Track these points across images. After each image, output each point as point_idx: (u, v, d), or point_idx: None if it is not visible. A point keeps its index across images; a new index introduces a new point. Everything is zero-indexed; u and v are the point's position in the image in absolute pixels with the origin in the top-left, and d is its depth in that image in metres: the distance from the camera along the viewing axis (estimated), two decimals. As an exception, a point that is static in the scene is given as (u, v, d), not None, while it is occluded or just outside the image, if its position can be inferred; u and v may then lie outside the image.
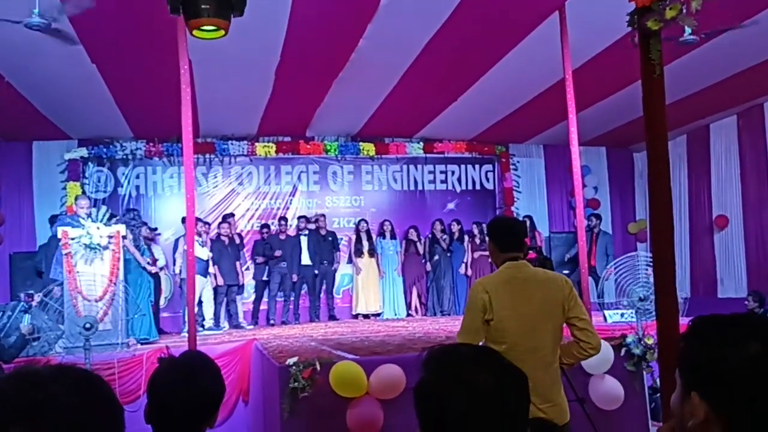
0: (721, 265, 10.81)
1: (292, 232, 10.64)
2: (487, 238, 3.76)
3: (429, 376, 1.20)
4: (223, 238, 9.53)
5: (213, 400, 1.94)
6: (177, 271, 9.24)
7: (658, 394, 6.37)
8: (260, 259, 10.13)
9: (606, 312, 7.75)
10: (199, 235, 8.98)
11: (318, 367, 4.85)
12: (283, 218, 10.76)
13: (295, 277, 10.15)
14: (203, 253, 8.85)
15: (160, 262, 9.22)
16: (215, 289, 9.27)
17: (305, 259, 10.28)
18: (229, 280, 9.38)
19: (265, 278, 10.13)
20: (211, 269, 9.20)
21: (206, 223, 9.64)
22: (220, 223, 9.74)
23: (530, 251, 8.63)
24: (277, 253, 9.93)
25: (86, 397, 0.91)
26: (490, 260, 9.96)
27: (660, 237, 2.31)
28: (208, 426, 1.93)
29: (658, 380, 6.31)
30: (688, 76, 7.95)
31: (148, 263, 8.29)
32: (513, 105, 9.88)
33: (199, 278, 8.69)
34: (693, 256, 11.31)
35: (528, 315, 3.02)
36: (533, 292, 3.07)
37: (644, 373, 5.89)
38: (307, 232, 10.52)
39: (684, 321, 2.43)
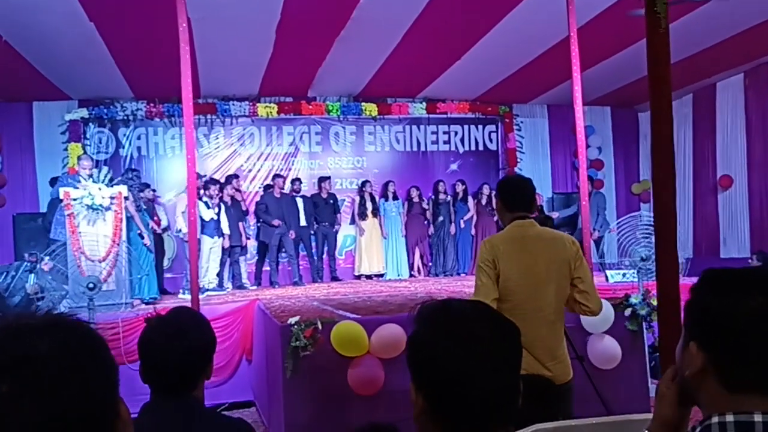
0: (724, 225, 10.78)
1: (288, 191, 10.49)
2: (494, 197, 3.74)
3: (421, 329, 1.20)
4: (226, 199, 9.49)
5: (205, 351, 1.96)
6: (177, 230, 9.13)
7: (658, 353, 6.43)
8: (257, 223, 10.12)
9: (608, 272, 7.77)
10: (211, 197, 8.96)
11: (320, 327, 4.88)
12: (278, 175, 10.50)
13: (293, 234, 9.99)
14: (208, 214, 8.82)
15: (163, 223, 9.24)
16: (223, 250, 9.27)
17: (302, 221, 10.22)
18: (232, 241, 9.38)
19: (264, 241, 10.00)
20: (225, 230, 9.17)
21: (216, 181, 9.51)
22: (222, 185, 9.70)
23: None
24: (275, 222, 9.77)
25: (76, 352, 0.85)
26: (495, 219, 9.97)
27: (661, 189, 2.29)
28: (206, 378, 1.95)
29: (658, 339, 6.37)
30: (694, 34, 7.81)
31: (147, 225, 8.22)
32: (517, 64, 9.74)
33: (206, 239, 8.72)
34: (696, 216, 11.29)
35: (534, 274, 3.02)
36: (540, 251, 3.06)
37: (645, 332, 5.91)
38: (304, 194, 10.42)
39: (685, 281, 2.43)
